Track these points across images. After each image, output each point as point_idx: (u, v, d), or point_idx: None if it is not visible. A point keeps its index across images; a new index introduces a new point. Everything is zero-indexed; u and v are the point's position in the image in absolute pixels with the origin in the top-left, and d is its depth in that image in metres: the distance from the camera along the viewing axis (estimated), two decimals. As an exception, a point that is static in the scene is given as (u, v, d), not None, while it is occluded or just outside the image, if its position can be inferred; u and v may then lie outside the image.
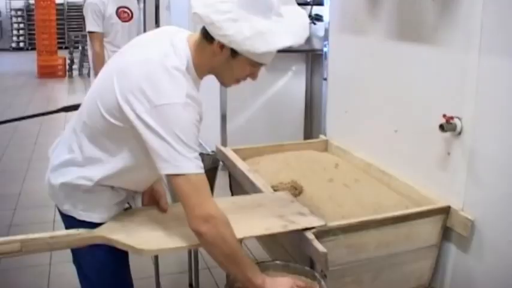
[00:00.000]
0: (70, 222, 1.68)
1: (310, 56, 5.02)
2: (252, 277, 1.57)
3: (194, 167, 1.47)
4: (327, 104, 3.01)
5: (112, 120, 1.55)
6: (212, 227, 1.49)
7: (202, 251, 3.25)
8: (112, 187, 1.68)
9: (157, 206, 1.85)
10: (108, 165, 1.61)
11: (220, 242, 1.51)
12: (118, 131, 1.56)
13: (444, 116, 1.99)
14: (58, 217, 4.06)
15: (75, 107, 2.04)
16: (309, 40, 4.73)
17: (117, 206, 1.73)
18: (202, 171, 1.50)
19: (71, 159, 1.67)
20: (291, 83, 5.04)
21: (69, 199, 1.67)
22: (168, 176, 1.49)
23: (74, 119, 1.74)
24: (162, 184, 1.92)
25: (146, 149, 1.50)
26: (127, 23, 3.97)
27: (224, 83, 1.72)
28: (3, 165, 5.57)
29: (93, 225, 1.65)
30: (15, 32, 16.35)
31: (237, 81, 1.69)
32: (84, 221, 1.66)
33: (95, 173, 1.62)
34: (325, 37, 3.03)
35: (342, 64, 2.86)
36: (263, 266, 1.80)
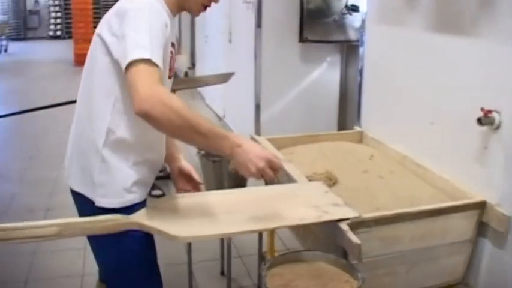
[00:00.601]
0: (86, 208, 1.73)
1: (345, 47, 4.98)
2: (217, 146, 1.54)
3: (149, 55, 1.50)
4: (362, 95, 2.98)
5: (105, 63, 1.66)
6: (156, 102, 1.45)
7: (235, 239, 3.29)
8: (132, 162, 1.72)
9: (191, 183, 1.90)
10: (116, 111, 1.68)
11: (170, 115, 1.46)
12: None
13: (482, 109, 1.96)
14: (94, 202, 4.03)
15: None
16: (344, 31, 4.70)
17: (138, 187, 1.76)
18: (159, 64, 1.52)
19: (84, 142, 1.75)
20: (326, 74, 5.02)
21: (90, 182, 1.73)
22: (125, 70, 1.52)
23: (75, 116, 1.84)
24: (185, 161, 1.99)
25: None
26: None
27: (193, 13, 1.82)
28: (40, 151, 5.70)
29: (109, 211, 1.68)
30: (52, 20, 16.64)
31: (204, 6, 1.79)
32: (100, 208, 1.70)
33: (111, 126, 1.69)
34: (362, 28, 3.00)
35: (378, 55, 2.83)
36: (296, 256, 1.82)
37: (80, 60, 11.60)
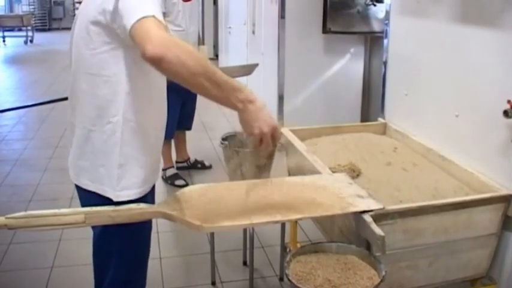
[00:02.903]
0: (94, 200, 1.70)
1: (369, 38, 4.95)
2: (230, 97, 1.48)
3: (152, 12, 1.46)
4: (386, 86, 2.97)
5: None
6: (172, 46, 1.40)
7: (257, 230, 3.31)
8: (147, 149, 1.72)
9: None
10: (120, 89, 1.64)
11: (187, 60, 1.40)
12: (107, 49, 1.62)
13: (509, 101, 1.93)
14: (118, 191, 4.05)
15: None
16: (368, 22, 4.67)
17: (153, 175, 1.79)
18: (162, 20, 1.49)
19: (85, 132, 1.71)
20: (349, 65, 5.01)
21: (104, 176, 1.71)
22: (131, 31, 1.47)
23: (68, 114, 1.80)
24: None
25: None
26: (188, 3, 4.02)
27: None
28: (66, 141, 5.75)
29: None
30: (76, 11, 16.76)
31: None
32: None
33: (116, 106, 1.65)
34: (386, 19, 2.98)
35: (403, 46, 2.80)
36: (319, 247, 1.83)
37: (103, 50, 11.70)
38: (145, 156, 1.73)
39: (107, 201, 1.69)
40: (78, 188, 1.80)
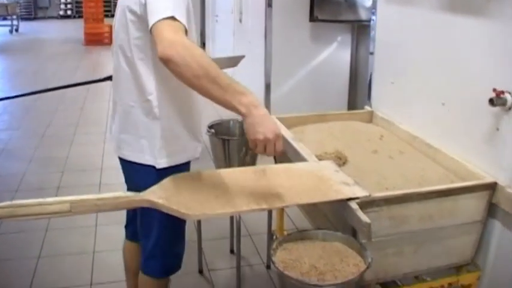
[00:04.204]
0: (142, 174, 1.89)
1: (356, 27, 4.95)
2: (233, 101, 1.52)
3: (171, 13, 1.57)
4: (372, 75, 2.96)
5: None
6: (179, 48, 1.50)
7: (244, 218, 3.31)
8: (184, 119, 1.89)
9: None
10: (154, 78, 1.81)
11: (190, 62, 1.49)
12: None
13: (494, 90, 1.93)
14: (104, 180, 4.23)
15: None
16: (355, 10, 4.67)
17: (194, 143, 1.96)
18: (182, 22, 1.59)
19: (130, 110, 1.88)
20: (336, 54, 5.00)
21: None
22: (151, 28, 1.58)
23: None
24: None
25: None
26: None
27: None
28: (52, 130, 5.73)
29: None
30: (63, 0, 16.60)
31: None
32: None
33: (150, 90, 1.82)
34: (373, 7, 2.97)
35: (390, 35, 2.80)
36: (306, 234, 1.83)
37: (90, 39, 11.63)
38: (184, 127, 1.91)
39: (148, 169, 1.88)
40: (120, 160, 2.00)
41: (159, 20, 1.57)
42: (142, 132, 1.88)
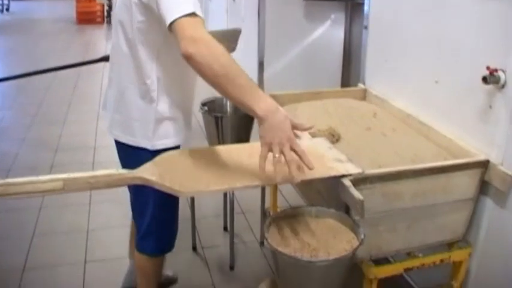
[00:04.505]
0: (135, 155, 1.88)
1: (350, 5, 4.92)
2: (251, 103, 1.52)
3: (192, 9, 1.56)
4: (366, 52, 2.95)
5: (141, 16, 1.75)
6: (202, 46, 1.50)
7: (238, 195, 3.32)
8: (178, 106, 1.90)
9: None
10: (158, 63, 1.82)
11: (211, 61, 1.49)
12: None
13: (488, 68, 1.93)
14: (98, 158, 4.23)
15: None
16: (349, -12, 4.64)
17: (182, 129, 1.96)
18: (202, 17, 1.59)
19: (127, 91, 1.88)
20: (330, 31, 4.98)
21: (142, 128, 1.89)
22: (171, 25, 1.56)
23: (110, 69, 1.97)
24: None
25: None
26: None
27: None
28: (44, 109, 5.70)
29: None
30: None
31: None
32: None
33: (150, 74, 1.83)
34: (367, -16, 2.95)
35: (383, 12, 2.78)
36: (299, 211, 1.84)
37: (82, 18, 11.52)
38: (178, 112, 1.93)
39: (140, 151, 1.90)
40: (118, 144, 2.00)
41: (180, 17, 1.55)
42: (135, 114, 1.89)
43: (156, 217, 2.04)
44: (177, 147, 1.95)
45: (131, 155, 1.93)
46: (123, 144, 1.96)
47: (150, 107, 1.86)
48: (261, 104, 1.52)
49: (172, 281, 2.78)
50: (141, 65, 1.82)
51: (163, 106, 1.87)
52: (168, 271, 2.74)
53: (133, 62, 1.84)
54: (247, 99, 1.51)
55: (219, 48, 1.52)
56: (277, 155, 1.52)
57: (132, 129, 1.91)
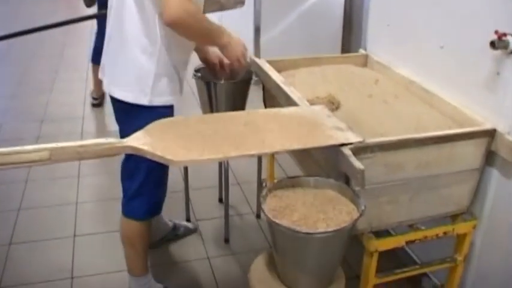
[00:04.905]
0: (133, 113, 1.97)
1: (351, -34, 4.83)
2: (218, 39, 2.01)
3: None
4: (368, 16, 2.87)
5: None
6: (182, 15, 1.76)
7: (233, 166, 3.26)
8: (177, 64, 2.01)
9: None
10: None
11: (193, 25, 1.83)
12: None
13: (496, 32, 1.85)
14: (86, 128, 4.14)
15: (103, 15, 2.18)
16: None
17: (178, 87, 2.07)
18: None
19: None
20: (330, -5, 4.90)
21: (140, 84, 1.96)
22: None
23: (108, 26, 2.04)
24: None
25: None
26: None
27: None
28: (30, 77, 5.58)
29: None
30: None
31: None
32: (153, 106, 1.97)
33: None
34: None
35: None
36: (297, 181, 1.80)
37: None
38: (175, 72, 2.01)
39: (136, 111, 1.96)
40: (111, 98, 2.07)
41: None
42: (135, 69, 1.94)
43: (149, 178, 2.09)
44: (171, 108, 2.01)
45: (128, 114, 1.99)
46: (121, 102, 1.99)
47: (150, 62, 1.93)
48: (223, 39, 2.02)
49: (192, 231, 2.91)
50: (146, 20, 1.89)
51: (162, 62, 1.94)
52: (189, 224, 2.93)
53: (140, 16, 1.89)
54: (212, 40, 2.04)
55: (198, 15, 1.84)
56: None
57: (130, 85, 1.96)
